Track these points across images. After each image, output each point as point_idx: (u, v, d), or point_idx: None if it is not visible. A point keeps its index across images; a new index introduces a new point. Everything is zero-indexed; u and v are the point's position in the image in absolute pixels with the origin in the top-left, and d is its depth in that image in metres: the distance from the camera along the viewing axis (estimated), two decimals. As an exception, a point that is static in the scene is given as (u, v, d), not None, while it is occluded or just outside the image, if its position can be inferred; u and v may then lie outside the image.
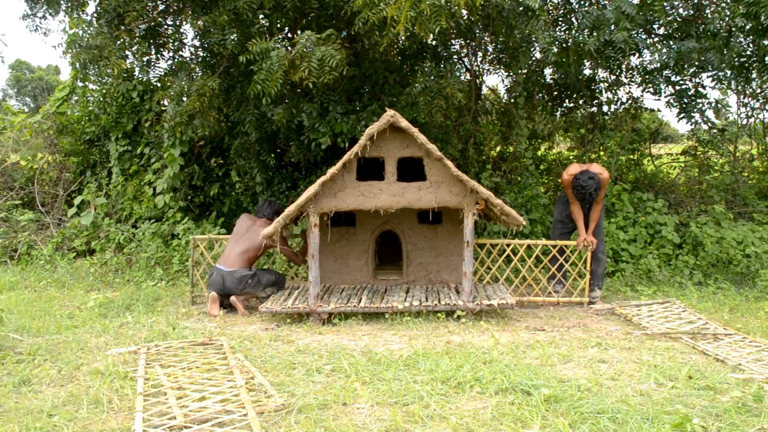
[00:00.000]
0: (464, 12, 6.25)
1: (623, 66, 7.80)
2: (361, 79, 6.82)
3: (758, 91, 8.20)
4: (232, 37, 5.96)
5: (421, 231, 5.66)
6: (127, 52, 6.65)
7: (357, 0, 5.04)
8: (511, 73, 7.96)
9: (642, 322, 4.76)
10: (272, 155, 7.87)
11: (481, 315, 5.04)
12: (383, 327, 4.70)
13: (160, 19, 6.69)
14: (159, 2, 6.69)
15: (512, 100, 7.75)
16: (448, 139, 7.11)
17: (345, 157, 4.72)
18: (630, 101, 8.25)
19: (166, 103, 7.43)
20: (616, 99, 8.21)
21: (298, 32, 5.48)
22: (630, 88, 8.26)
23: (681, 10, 6.99)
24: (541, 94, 8.33)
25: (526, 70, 7.68)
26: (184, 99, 6.24)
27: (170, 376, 3.50)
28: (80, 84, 8.66)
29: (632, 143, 8.17)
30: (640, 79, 7.99)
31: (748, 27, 6.16)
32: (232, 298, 5.32)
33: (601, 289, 5.67)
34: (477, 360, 3.76)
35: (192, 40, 7.74)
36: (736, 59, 6.75)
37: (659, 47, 7.13)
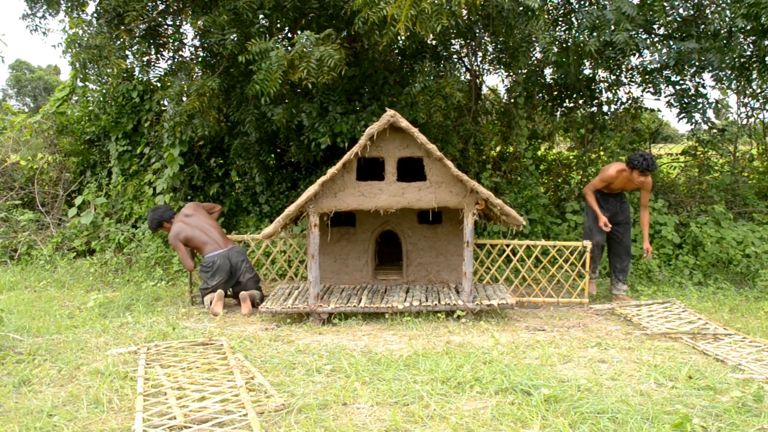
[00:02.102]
0: (464, 11, 6.25)
1: (623, 66, 7.80)
2: (360, 79, 6.81)
3: (758, 91, 8.20)
4: (231, 37, 5.96)
5: (421, 231, 5.66)
6: (127, 52, 6.64)
7: (357, -1, 5.04)
8: (511, 73, 7.96)
9: (642, 322, 4.76)
10: (272, 155, 7.87)
11: (481, 315, 5.04)
12: (383, 327, 4.70)
13: (160, 19, 6.69)
14: (159, 2, 6.69)
15: (512, 100, 7.75)
16: (448, 139, 7.11)
17: (345, 157, 4.72)
18: (630, 101, 8.25)
19: (166, 103, 7.43)
20: (616, 99, 8.22)
21: (298, 32, 5.47)
22: (630, 88, 8.28)
23: (681, 10, 6.98)
24: (541, 94, 8.33)
25: (526, 70, 7.68)
26: (184, 99, 6.24)
27: (170, 376, 3.50)
28: (80, 84, 8.64)
29: (632, 143, 8.17)
30: (640, 79, 7.99)
31: (748, 27, 6.16)
32: (242, 294, 5.34)
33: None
34: (477, 360, 3.76)
35: (192, 40, 7.73)
36: (736, 59, 6.75)
37: (659, 47, 7.14)
